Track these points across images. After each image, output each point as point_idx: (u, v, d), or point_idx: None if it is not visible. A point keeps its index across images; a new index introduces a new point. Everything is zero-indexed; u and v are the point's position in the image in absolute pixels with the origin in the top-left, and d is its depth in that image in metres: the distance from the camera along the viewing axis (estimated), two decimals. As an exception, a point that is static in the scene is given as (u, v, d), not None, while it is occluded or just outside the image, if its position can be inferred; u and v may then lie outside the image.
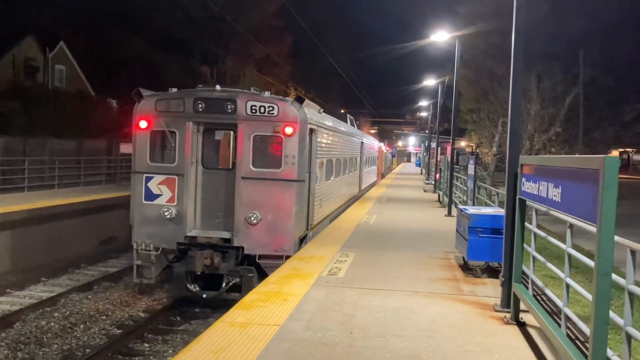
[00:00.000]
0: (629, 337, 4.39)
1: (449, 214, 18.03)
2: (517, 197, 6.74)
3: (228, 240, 11.60)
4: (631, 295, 4.37)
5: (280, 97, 12.51)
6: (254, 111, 11.52)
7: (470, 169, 15.79)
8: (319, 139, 13.71)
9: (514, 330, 6.52)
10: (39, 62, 33.61)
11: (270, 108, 11.56)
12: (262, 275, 10.94)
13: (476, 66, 33.84)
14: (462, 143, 56.80)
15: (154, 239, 11.62)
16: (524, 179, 6.40)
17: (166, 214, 11.58)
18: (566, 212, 4.79)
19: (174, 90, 12.05)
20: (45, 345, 9.94)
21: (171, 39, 37.82)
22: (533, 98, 29.51)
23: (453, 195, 19.95)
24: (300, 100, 12.03)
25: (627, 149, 64.89)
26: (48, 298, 12.45)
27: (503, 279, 7.20)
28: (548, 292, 6.87)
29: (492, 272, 9.34)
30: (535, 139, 29.89)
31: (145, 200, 11.76)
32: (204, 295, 11.61)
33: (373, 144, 34.67)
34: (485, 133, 35.36)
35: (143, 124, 11.79)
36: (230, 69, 42.99)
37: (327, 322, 6.56)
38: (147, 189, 11.76)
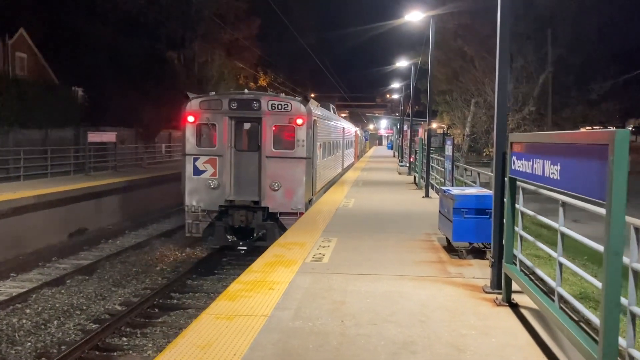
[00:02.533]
0: (633, 317, 4.27)
1: (427, 195, 17.97)
2: (506, 177, 6.57)
3: (257, 202, 15.38)
4: (635, 273, 4.23)
5: (292, 97, 16.51)
6: (273, 108, 15.23)
7: (448, 150, 15.67)
8: (318, 127, 17.17)
9: (507, 311, 6.38)
10: (-2, 49, 32.30)
11: (285, 105, 15.28)
12: (282, 228, 14.47)
13: (447, 47, 33.73)
14: (434, 125, 56.95)
15: (201, 203, 15.43)
16: (514, 158, 6.20)
17: (210, 184, 15.36)
18: (567, 190, 4.61)
19: (213, 93, 16.26)
20: (18, 344, 9.52)
21: (136, 23, 36.64)
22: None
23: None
24: (307, 99, 15.90)
25: (594, 127, 65.99)
26: (18, 294, 11.93)
27: (492, 260, 7.06)
28: (539, 271, 6.77)
29: (477, 253, 9.21)
30: (509, 118, 29.98)
31: (194, 175, 15.44)
32: (241, 243, 15.44)
33: (351, 129, 38.70)
34: (457, 114, 35.35)
35: (191, 118, 15.39)
36: (198, 54, 42.07)
37: (316, 310, 6.34)
38: (195, 167, 15.43)
